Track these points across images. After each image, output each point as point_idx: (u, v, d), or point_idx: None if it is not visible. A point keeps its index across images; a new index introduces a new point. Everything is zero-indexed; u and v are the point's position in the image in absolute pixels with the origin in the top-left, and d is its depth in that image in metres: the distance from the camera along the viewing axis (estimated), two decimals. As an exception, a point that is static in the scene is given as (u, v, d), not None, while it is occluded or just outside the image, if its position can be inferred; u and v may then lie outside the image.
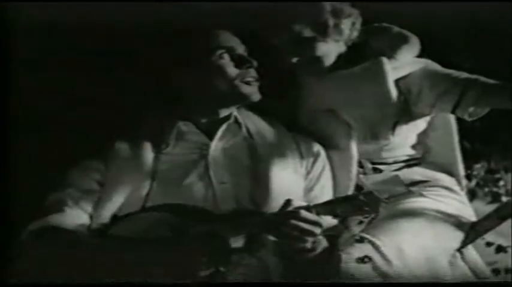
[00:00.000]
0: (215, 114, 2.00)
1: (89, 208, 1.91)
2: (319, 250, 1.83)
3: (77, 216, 1.89)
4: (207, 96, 1.97)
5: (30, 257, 1.83)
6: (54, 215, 1.88)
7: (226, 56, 1.95)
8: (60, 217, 1.88)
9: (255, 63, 1.97)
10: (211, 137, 1.98)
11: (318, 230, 1.75)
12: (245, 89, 1.96)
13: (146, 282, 1.75)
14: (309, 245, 1.79)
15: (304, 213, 1.75)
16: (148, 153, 1.96)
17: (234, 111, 2.03)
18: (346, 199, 1.78)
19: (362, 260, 1.82)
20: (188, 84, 1.97)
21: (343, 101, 2.07)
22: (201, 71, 1.95)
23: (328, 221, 1.96)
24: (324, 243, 1.85)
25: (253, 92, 1.97)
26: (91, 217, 1.91)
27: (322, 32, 2.01)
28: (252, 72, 1.97)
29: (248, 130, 2.04)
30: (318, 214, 1.77)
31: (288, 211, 1.76)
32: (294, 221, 1.74)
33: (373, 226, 1.97)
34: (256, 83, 1.98)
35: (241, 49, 1.98)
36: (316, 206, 1.78)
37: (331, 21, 2.01)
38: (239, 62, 1.96)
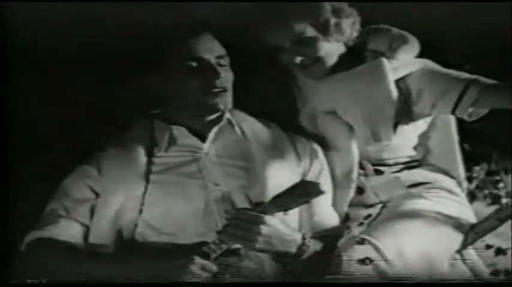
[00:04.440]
0: (198, 120, 1.99)
1: (82, 218, 1.91)
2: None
3: (71, 227, 1.90)
4: (183, 105, 1.97)
5: (27, 268, 1.85)
6: (50, 226, 1.89)
7: (194, 66, 1.93)
8: (55, 228, 1.89)
9: (223, 74, 1.93)
10: (204, 139, 1.98)
11: (261, 227, 1.78)
12: (211, 100, 1.94)
13: (146, 282, 1.76)
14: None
15: (242, 211, 1.81)
16: (141, 157, 1.96)
17: (226, 113, 2.02)
18: (286, 192, 1.82)
19: (363, 261, 1.82)
20: (167, 92, 1.97)
21: (343, 102, 2.07)
22: (173, 80, 1.94)
23: (327, 223, 1.99)
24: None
25: (220, 102, 1.94)
26: (87, 227, 1.91)
27: (324, 31, 2.02)
28: (218, 83, 1.94)
29: (242, 131, 2.03)
30: (266, 212, 1.80)
31: (230, 214, 1.81)
32: (235, 221, 1.80)
33: (374, 227, 1.97)
34: (224, 93, 1.95)
35: (213, 58, 1.94)
36: (263, 205, 1.82)
37: (332, 21, 2.02)
38: (206, 72, 1.93)
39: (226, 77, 1.96)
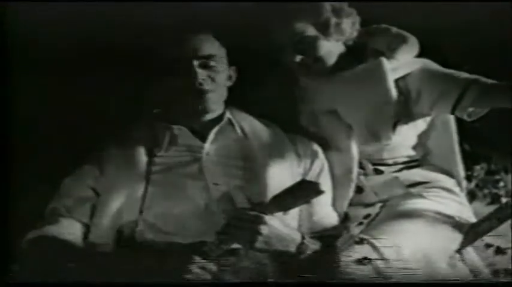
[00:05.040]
0: (198, 120, 2.00)
1: (83, 217, 1.92)
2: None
3: (72, 226, 1.91)
4: (176, 105, 1.98)
5: (27, 267, 1.86)
6: (50, 225, 1.90)
7: (177, 67, 1.94)
8: (55, 227, 1.90)
9: (202, 75, 1.94)
10: (204, 139, 1.99)
11: (261, 226, 1.78)
12: (193, 100, 1.95)
13: (146, 282, 1.76)
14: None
15: (242, 211, 1.82)
16: (142, 156, 1.97)
17: (226, 113, 2.03)
18: (286, 192, 1.82)
19: (361, 261, 1.82)
20: (163, 92, 1.99)
21: (343, 102, 2.07)
22: (165, 80, 1.97)
23: (326, 222, 2.00)
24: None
25: (200, 103, 1.95)
26: (87, 226, 1.92)
27: (325, 31, 2.02)
28: (197, 84, 1.94)
29: (243, 131, 2.04)
30: (266, 212, 1.80)
31: (230, 214, 1.83)
32: (235, 221, 1.80)
33: (373, 227, 1.98)
34: (204, 94, 1.95)
35: (196, 58, 1.95)
36: (263, 205, 1.83)
37: (332, 20, 2.02)
38: (185, 73, 1.94)
39: (211, 78, 1.96)
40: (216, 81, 1.98)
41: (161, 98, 2.03)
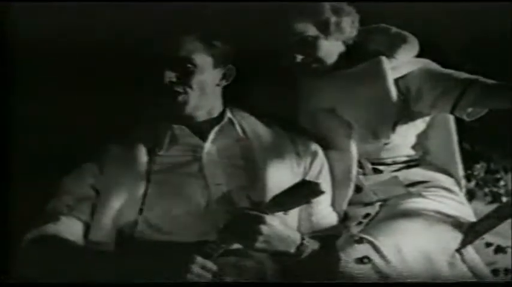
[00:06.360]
0: (198, 119, 2.01)
1: (83, 215, 1.92)
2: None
3: (72, 224, 1.91)
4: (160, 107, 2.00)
5: (27, 266, 1.86)
6: (51, 224, 1.90)
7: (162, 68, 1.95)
8: (56, 225, 1.90)
9: (169, 78, 1.94)
10: (205, 138, 1.99)
11: (261, 226, 1.78)
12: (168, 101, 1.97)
13: (146, 282, 1.76)
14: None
15: (242, 211, 1.82)
16: (142, 155, 1.97)
17: (227, 112, 2.03)
18: (287, 192, 1.82)
19: (361, 260, 1.82)
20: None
21: (343, 101, 2.08)
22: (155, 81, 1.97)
23: (326, 222, 2.00)
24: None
25: (174, 103, 1.96)
26: (87, 225, 1.92)
27: (325, 30, 2.02)
28: (180, 88, 1.95)
29: (244, 130, 2.04)
30: (266, 212, 1.80)
31: (231, 213, 1.83)
32: (235, 220, 1.80)
33: (373, 226, 1.98)
34: (185, 96, 1.96)
35: (170, 61, 1.95)
36: (264, 205, 1.83)
37: (332, 19, 2.02)
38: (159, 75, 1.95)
39: (185, 81, 1.95)
40: (192, 84, 1.96)
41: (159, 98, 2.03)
